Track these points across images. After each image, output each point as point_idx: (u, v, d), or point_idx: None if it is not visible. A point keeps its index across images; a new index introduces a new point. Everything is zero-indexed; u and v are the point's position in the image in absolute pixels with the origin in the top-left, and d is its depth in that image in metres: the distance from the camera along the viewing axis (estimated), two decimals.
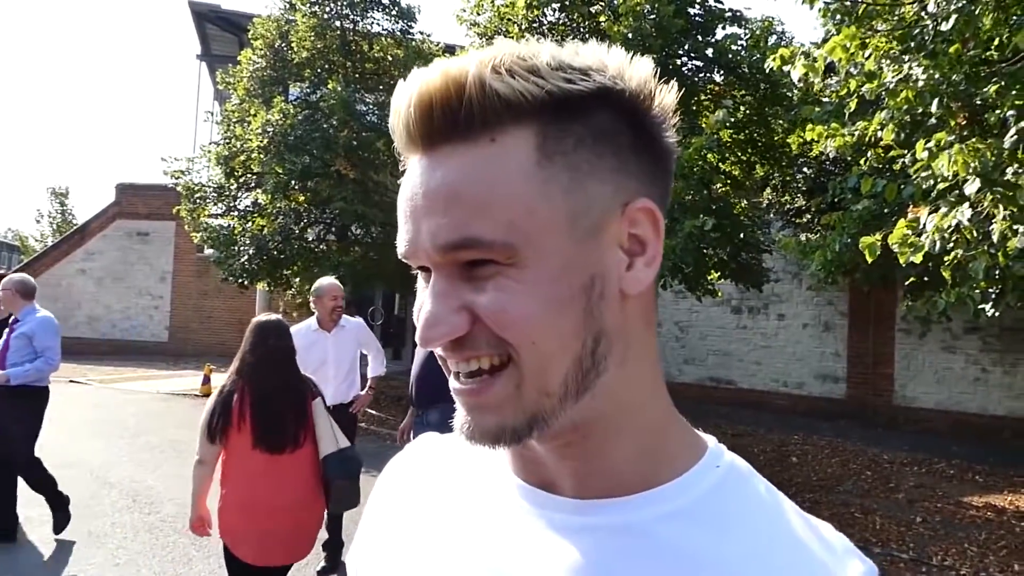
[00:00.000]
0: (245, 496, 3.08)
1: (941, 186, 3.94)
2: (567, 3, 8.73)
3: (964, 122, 4.19)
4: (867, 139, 4.77)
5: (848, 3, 4.78)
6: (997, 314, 5.09)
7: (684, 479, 0.58)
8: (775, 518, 0.56)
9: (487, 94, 0.51)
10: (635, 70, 0.55)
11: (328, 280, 5.35)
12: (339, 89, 11.07)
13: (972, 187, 3.56)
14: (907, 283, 7.16)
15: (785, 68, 4.81)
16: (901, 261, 3.97)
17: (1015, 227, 3.47)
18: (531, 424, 0.54)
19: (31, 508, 5.77)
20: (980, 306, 4.85)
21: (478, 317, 0.52)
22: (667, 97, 0.57)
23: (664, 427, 0.60)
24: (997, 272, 4.12)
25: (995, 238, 3.59)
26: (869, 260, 4.07)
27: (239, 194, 12.37)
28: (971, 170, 3.51)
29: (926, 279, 6.53)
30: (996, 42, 4.22)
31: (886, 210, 6.31)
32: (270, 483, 3.05)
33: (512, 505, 0.61)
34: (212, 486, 3.23)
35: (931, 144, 3.75)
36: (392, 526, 0.68)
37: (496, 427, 0.54)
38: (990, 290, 4.83)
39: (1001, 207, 3.50)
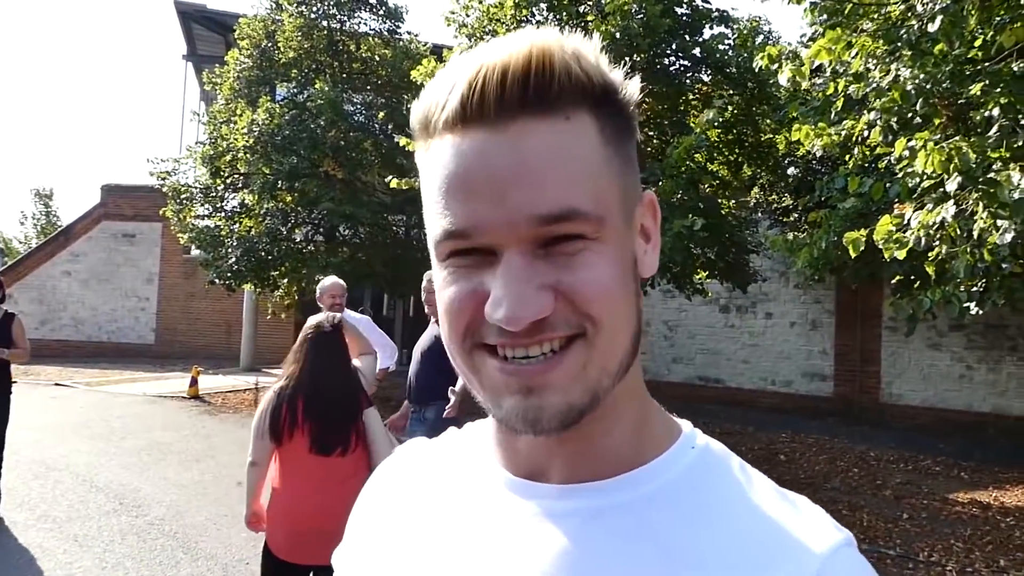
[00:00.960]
0: (293, 496, 3.06)
1: (926, 184, 3.97)
2: (555, 3, 8.74)
3: (948, 120, 4.22)
4: (853, 138, 4.81)
5: (834, 2, 4.82)
6: (982, 312, 5.13)
7: (661, 461, 0.59)
8: (750, 495, 0.57)
9: (573, 73, 0.52)
10: (621, 74, 0.57)
11: (330, 279, 5.42)
12: (326, 89, 11.05)
13: (952, 184, 3.59)
14: (892, 281, 7.22)
15: (772, 67, 4.84)
16: (886, 256, 4.00)
17: (997, 224, 3.50)
18: (592, 402, 0.54)
19: (17, 512, 5.73)
20: (965, 304, 4.89)
21: (560, 294, 0.52)
22: (635, 93, 0.59)
23: (647, 412, 0.62)
24: (981, 270, 4.16)
25: (974, 234, 3.62)
26: (853, 255, 4.10)
27: (226, 195, 12.31)
28: (952, 168, 3.54)
29: (912, 277, 6.58)
30: (980, 41, 4.26)
31: (873, 208, 6.36)
32: (322, 485, 3.03)
33: (499, 498, 0.62)
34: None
35: (912, 143, 3.78)
36: (380, 527, 0.69)
37: (565, 406, 0.53)
38: (974, 288, 4.87)
39: (982, 204, 3.53)
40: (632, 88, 0.57)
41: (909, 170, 3.99)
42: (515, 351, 0.52)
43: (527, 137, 0.51)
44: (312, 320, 3.36)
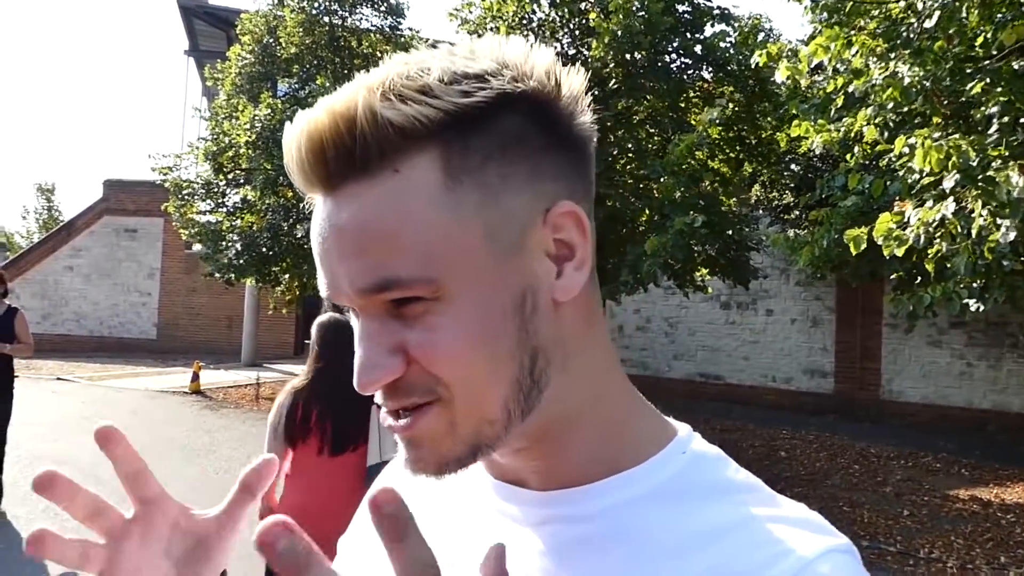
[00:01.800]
0: (308, 497, 3.02)
1: (926, 181, 3.98)
2: (557, 0, 8.74)
3: (947, 117, 4.22)
4: (853, 135, 4.81)
5: (835, 0, 4.82)
6: (983, 309, 5.13)
7: (647, 465, 0.57)
8: (740, 501, 0.54)
9: (379, 125, 0.47)
10: (536, 62, 0.52)
11: None
12: (328, 85, 11.02)
13: (950, 182, 3.60)
14: (892, 277, 7.22)
15: (772, 65, 4.84)
16: (885, 254, 4.01)
17: (997, 222, 3.51)
18: (473, 452, 0.53)
19: (19, 507, 5.75)
20: (965, 301, 4.89)
21: (410, 356, 0.50)
22: (574, 82, 0.54)
23: (625, 416, 0.59)
24: (982, 267, 4.17)
25: (973, 232, 3.63)
26: (854, 252, 4.10)
27: (228, 190, 12.33)
28: (951, 165, 3.54)
29: (913, 273, 6.59)
30: (980, 40, 4.27)
31: (875, 206, 6.36)
32: (332, 485, 3.01)
33: (485, 502, 0.62)
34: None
35: (911, 140, 3.78)
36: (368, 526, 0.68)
37: (436, 460, 0.52)
38: (974, 285, 4.87)
39: (980, 202, 3.54)
40: (537, 77, 0.52)
41: (909, 166, 3.99)
42: (390, 405, 0.52)
43: (351, 203, 0.49)
44: (322, 317, 3.30)
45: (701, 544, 0.52)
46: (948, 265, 4.16)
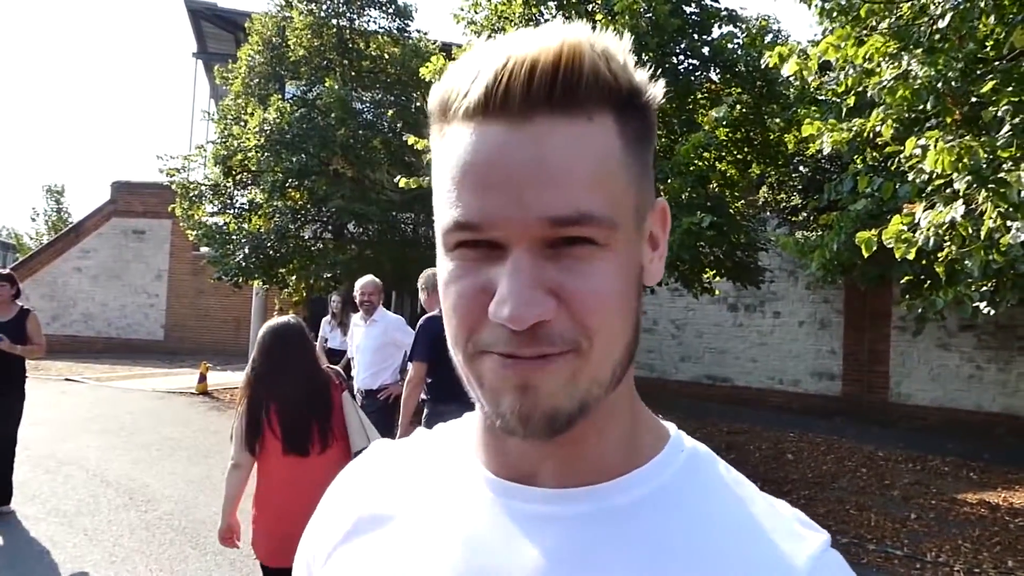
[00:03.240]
0: (276, 499, 3.03)
1: (938, 182, 3.95)
2: (564, 2, 8.73)
3: (959, 118, 4.20)
4: (863, 136, 4.79)
5: (845, 2, 4.80)
6: (994, 313, 5.10)
7: (652, 465, 0.59)
8: (737, 498, 0.58)
9: (600, 75, 0.51)
10: (646, 76, 0.56)
11: (364, 278, 5.89)
12: (336, 87, 11.07)
13: (961, 183, 3.57)
14: (903, 281, 7.18)
15: (782, 66, 4.81)
16: (897, 256, 3.99)
17: (1008, 224, 3.49)
18: (582, 410, 0.53)
19: (28, 506, 5.77)
20: (976, 304, 4.86)
21: (563, 301, 0.50)
22: (659, 94, 0.57)
23: (637, 415, 0.62)
24: (993, 270, 4.14)
25: (982, 234, 3.60)
26: (865, 254, 4.08)
27: (235, 192, 12.37)
28: (961, 167, 3.52)
29: (923, 277, 6.55)
30: (992, 41, 4.24)
31: (884, 209, 6.33)
32: (299, 485, 2.98)
33: (482, 500, 0.60)
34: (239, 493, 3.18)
35: (921, 141, 3.76)
36: (349, 531, 0.66)
37: (552, 410, 0.52)
38: (985, 288, 4.85)
39: (990, 204, 3.52)
40: (656, 92, 0.56)
41: (919, 167, 3.97)
42: (520, 349, 0.51)
43: (549, 135, 0.50)
44: (270, 323, 3.30)
45: (713, 545, 0.54)
46: (958, 268, 4.14)
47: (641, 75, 0.54)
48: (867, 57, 4.46)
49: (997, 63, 4.18)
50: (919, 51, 4.18)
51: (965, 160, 3.48)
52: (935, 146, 3.58)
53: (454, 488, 0.62)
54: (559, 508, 0.57)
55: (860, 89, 4.62)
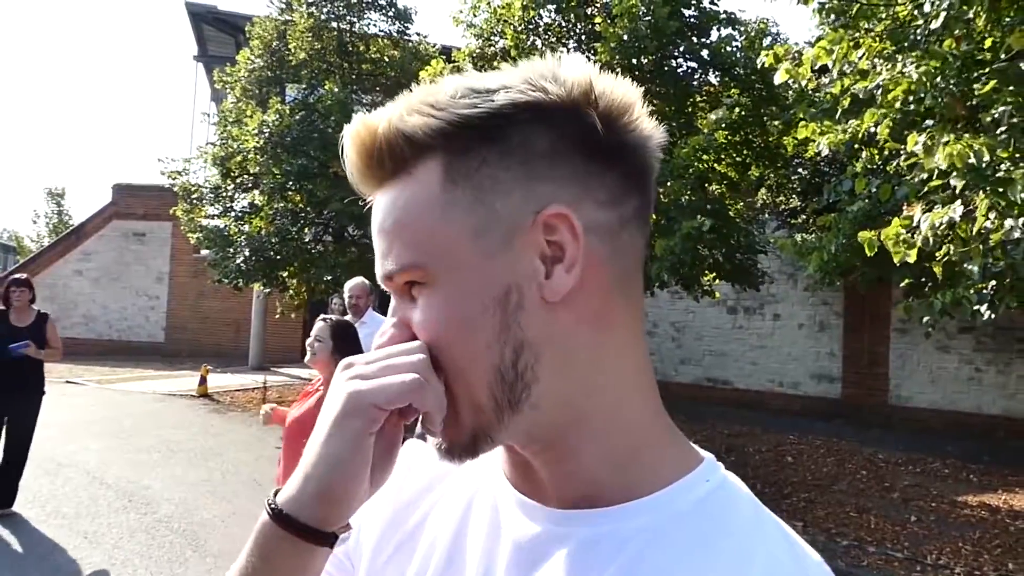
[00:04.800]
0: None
1: (936, 183, 3.95)
2: (563, 5, 8.74)
3: (961, 115, 4.20)
4: (860, 136, 4.79)
5: (842, 2, 4.81)
6: (994, 316, 5.08)
7: (666, 493, 0.56)
8: (755, 542, 0.53)
9: (393, 135, 0.56)
10: (567, 75, 0.55)
11: (353, 280, 5.90)
12: (336, 90, 11.08)
13: (958, 182, 3.57)
14: (902, 284, 7.18)
15: (777, 66, 4.82)
16: (896, 260, 3.99)
17: (1005, 224, 3.49)
18: (474, 439, 0.57)
19: (28, 508, 5.78)
20: (976, 307, 4.86)
21: (413, 331, 0.58)
22: (620, 92, 0.56)
23: (645, 436, 0.59)
24: (993, 273, 4.13)
25: (974, 231, 3.60)
26: (869, 254, 4.08)
27: (236, 195, 12.37)
28: (968, 165, 3.51)
29: (923, 279, 6.55)
30: (989, 43, 4.25)
31: (882, 211, 6.33)
32: None
33: (502, 514, 0.63)
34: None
35: (923, 138, 3.75)
36: (396, 551, 0.69)
37: (447, 444, 0.58)
38: (985, 290, 4.84)
39: (987, 203, 3.51)
40: (561, 88, 0.55)
41: (920, 163, 3.95)
42: None
43: (381, 201, 0.59)
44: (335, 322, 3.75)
45: None
46: (957, 269, 4.13)
47: (493, 101, 0.55)
48: (861, 57, 4.47)
49: (995, 64, 4.19)
50: (915, 53, 4.19)
51: (966, 157, 3.46)
52: (941, 146, 3.55)
53: (478, 497, 0.66)
54: (563, 529, 0.58)
55: (855, 91, 4.63)
